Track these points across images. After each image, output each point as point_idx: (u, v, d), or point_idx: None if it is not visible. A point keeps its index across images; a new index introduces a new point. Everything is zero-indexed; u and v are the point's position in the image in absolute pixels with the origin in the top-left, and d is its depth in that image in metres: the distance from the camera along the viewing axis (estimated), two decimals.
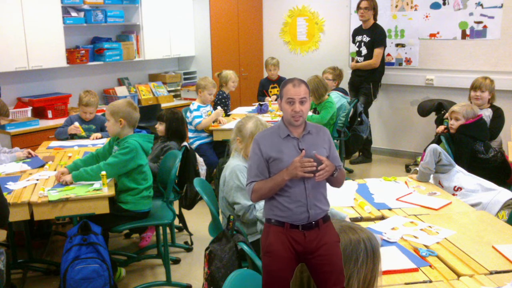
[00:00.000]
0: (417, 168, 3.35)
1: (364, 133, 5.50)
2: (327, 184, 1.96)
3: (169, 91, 6.47)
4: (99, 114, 4.60)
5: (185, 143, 4.02)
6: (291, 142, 1.88)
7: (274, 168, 1.88)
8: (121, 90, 6.01)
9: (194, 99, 5.29)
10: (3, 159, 3.62)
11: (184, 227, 4.05)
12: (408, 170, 5.77)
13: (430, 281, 2.00)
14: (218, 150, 4.97)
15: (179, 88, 6.65)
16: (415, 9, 5.92)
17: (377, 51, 5.70)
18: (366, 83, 5.85)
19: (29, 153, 3.75)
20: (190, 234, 4.05)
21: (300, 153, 1.84)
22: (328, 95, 5.04)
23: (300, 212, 1.85)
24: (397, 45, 6.14)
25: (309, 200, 1.85)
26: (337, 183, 1.98)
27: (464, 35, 5.63)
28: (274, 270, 1.85)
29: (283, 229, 1.86)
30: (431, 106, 5.41)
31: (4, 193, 2.67)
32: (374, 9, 5.74)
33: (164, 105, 6.02)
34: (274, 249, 1.85)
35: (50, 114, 5.14)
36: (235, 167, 2.84)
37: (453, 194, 3.13)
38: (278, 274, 1.84)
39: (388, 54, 6.16)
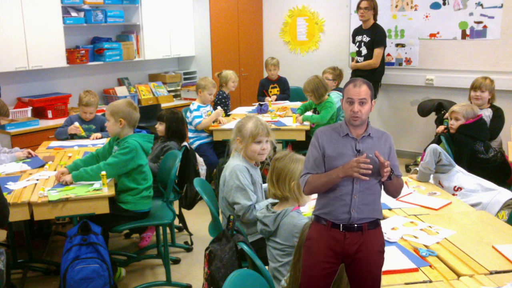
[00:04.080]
0: (417, 168, 3.35)
1: None
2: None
3: (169, 91, 6.47)
4: (99, 114, 4.59)
5: (185, 143, 4.02)
6: (349, 142, 1.86)
7: (327, 164, 1.87)
8: (121, 90, 6.01)
9: (194, 99, 5.29)
10: (3, 159, 3.62)
11: (184, 227, 4.05)
12: (408, 170, 5.77)
13: (430, 281, 2.00)
14: (218, 150, 4.97)
15: (179, 88, 6.64)
16: (415, 9, 5.92)
17: (377, 51, 5.69)
18: None
19: (29, 153, 3.75)
20: (190, 234, 4.05)
21: (355, 154, 1.82)
22: (328, 95, 5.03)
23: (342, 211, 1.83)
24: (397, 45, 6.14)
25: (353, 201, 1.83)
26: (394, 191, 1.93)
27: (464, 35, 5.63)
28: (306, 265, 1.89)
29: (324, 226, 1.86)
30: (431, 106, 5.41)
31: (4, 193, 2.67)
32: (374, 9, 5.73)
33: (164, 105, 6.02)
34: (312, 244, 1.88)
35: (50, 114, 5.14)
36: (235, 167, 2.83)
37: (453, 194, 3.13)
38: (311, 269, 1.86)
39: (388, 54, 6.15)
